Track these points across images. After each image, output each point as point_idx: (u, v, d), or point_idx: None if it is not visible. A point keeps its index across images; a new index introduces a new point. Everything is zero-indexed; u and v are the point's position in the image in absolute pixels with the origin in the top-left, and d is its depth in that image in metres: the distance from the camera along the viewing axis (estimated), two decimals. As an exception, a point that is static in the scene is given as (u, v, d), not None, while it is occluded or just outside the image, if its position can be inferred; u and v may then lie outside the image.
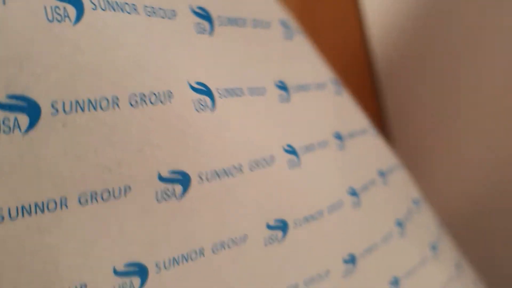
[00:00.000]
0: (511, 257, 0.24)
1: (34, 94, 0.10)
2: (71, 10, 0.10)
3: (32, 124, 0.10)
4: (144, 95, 0.11)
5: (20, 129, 0.10)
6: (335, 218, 0.16)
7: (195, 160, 0.12)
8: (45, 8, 0.10)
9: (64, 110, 0.10)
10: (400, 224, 0.19)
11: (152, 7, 0.12)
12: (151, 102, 0.11)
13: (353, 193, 0.17)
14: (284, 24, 0.17)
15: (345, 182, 0.17)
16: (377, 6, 0.42)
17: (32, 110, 0.10)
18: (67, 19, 0.10)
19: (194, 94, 0.12)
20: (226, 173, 0.13)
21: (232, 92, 0.14)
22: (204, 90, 0.13)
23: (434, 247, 0.20)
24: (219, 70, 0.14)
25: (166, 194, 0.12)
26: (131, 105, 0.11)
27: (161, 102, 0.12)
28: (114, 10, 0.11)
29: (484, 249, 0.26)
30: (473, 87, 0.27)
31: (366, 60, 0.42)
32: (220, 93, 0.13)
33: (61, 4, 0.10)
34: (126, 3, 0.11)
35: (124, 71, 0.11)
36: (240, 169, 0.13)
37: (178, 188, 0.12)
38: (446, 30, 0.30)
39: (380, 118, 0.39)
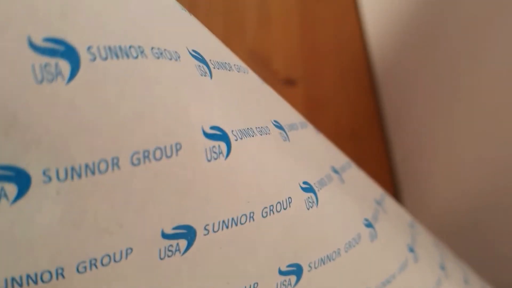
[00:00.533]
0: (511, 256, 0.23)
1: (23, 163, 0.09)
2: (65, 66, 0.09)
3: (21, 193, 0.09)
4: (148, 151, 0.10)
5: (7, 199, 0.09)
6: (353, 255, 0.15)
7: (202, 213, 0.11)
8: (32, 67, 0.09)
9: (58, 178, 0.09)
10: (411, 249, 0.18)
11: (159, 48, 0.11)
12: (156, 158, 0.10)
13: (369, 224, 0.16)
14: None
15: (361, 214, 0.16)
16: (375, 6, 0.42)
17: (21, 179, 0.09)
18: (59, 77, 0.09)
19: (207, 141, 0.11)
20: (235, 222, 0.12)
21: (246, 133, 0.12)
22: (219, 134, 0.12)
23: (442, 267, 0.19)
24: (230, 112, 0.12)
25: (169, 250, 0.11)
26: (133, 164, 0.10)
27: (167, 156, 0.10)
28: (117, 57, 0.10)
29: (484, 248, 0.26)
30: (471, 87, 0.27)
31: (364, 59, 0.41)
32: (235, 135, 0.12)
33: (52, 60, 0.09)
34: (132, 47, 0.10)
35: (126, 127, 0.10)
36: (251, 216, 0.12)
37: (183, 242, 0.11)
38: (444, 30, 0.29)
39: (378, 117, 0.38)
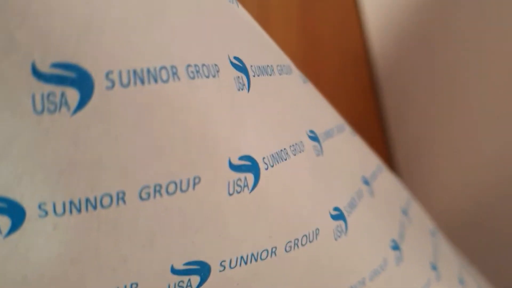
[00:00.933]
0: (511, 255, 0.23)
1: (17, 195, 0.08)
2: (73, 95, 0.07)
3: (15, 226, 0.08)
4: (160, 186, 0.09)
5: (0, 232, 0.08)
6: (378, 282, 0.14)
7: (218, 248, 0.10)
8: (33, 97, 0.07)
9: (54, 212, 0.08)
10: (434, 267, 0.16)
11: (196, 65, 0.09)
12: (168, 193, 0.09)
13: (395, 246, 0.15)
14: (296, 67, 0.14)
15: (388, 234, 0.14)
16: (376, 6, 0.41)
17: (14, 211, 0.08)
18: (64, 107, 0.07)
19: (233, 174, 0.10)
20: (255, 257, 0.11)
21: (278, 157, 0.11)
22: (248, 165, 0.10)
23: (461, 281, 0.18)
24: (264, 134, 0.11)
25: (180, 286, 0.10)
26: (141, 199, 0.09)
27: (182, 191, 0.09)
28: (142, 83, 0.08)
29: (484, 248, 0.26)
30: (471, 85, 0.26)
31: (365, 59, 0.40)
32: (266, 163, 0.10)
33: (58, 89, 0.07)
34: (164, 68, 0.08)
35: (138, 162, 0.08)
36: (273, 252, 0.11)
37: (195, 279, 0.10)
38: (445, 29, 0.29)
39: (378, 117, 0.38)
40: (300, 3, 0.41)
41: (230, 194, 0.10)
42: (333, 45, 0.40)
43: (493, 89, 0.24)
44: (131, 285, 0.09)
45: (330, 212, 0.12)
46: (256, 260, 0.11)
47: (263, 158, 0.10)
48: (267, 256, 0.11)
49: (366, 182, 0.15)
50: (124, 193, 0.09)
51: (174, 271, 0.10)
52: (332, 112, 0.16)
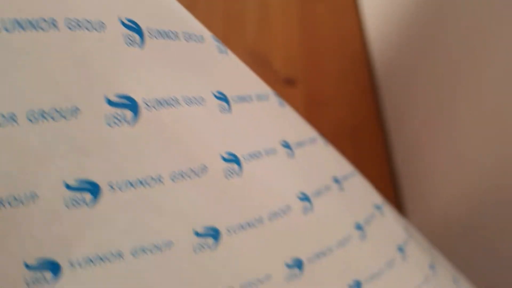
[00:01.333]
0: (510, 254, 0.23)
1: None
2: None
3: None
4: (43, 111, 0.12)
5: None
6: (344, 252, 0.17)
7: (107, 171, 0.13)
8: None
9: None
10: (401, 250, 0.19)
11: (76, 19, 0.13)
12: (54, 119, 0.12)
13: (359, 226, 0.18)
14: (214, 38, 0.17)
15: (354, 218, 0.18)
16: (375, 6, 0.43)
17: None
18: None
19: (110, 108, 0.13)
20: (143, 183, 0.13)
21: (164, 103, 0.14)
22: (126, 103, 0.13)
23: (431, 267, 0.20)
24: (244, 142, 0.15)
25: (75, 201, 0.13)
26: (30, 121, 0.12)
27: (65, 118, 0.12)
28: (24, 29, 0.12)
29: (483, 247, 0.25)
30: (471, 86, 0.27)
31: (365, 59, 0.42)
32: (148, 105, 0.13)
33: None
34: (43, 19, 0.12)
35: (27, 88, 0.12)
36: (160, 179, 0.14)
37: (88, 196, 0.13)
38: (444, 30, 0.30)
39: (378, 117, 0.39)
40: (300, 3, 0.44)
41: (110, 126, 0.13)
42: (333, 46, 0.42)
43: (493, 90, 0.24)
44: (31, 194, 0.12)
45: (297, 195, 0.16)
46: (143, 185, 0.13)
47: (143, 98, 0.13)
48: (155, 184, 0.13)
49: (337, 180, 0.19)
50: (14, 114, 0.11)
51: (68, 186, 0.12)
52: (306, 128, 0.19)
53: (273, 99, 0.18)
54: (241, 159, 0.15)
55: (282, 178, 0.17)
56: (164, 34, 0.14)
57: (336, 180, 0.19)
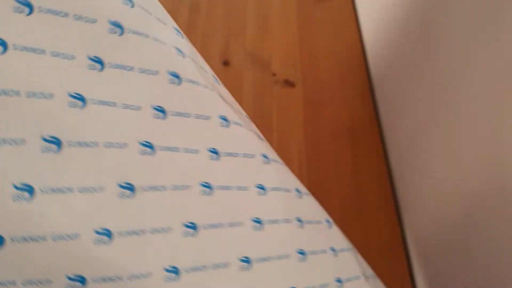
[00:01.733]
0: (510, 253, 0.23)
1: None
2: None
3: None
4: None
5: None
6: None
7: None
8: None
9: None
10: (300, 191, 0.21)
11: None
12: None
13: (265, 157, 0.20)
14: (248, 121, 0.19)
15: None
16: (370, 14, 0.43)
17: None
18: None
19: None
20: None
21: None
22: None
23: (298, 219, 0.21)
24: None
25: None
26: None
27: None
28: None
29: (483, 246, 0.25)
30: (462, 89, 0.27)
31: (362, 62, 0.42)
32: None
33: None
34: None
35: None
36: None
37: None
38: (437, 36, 0.30)
39: (375, 118, 0.39)
40: (300, 7, 0.44)
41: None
42: (332, 48, 0.42)
43: (484, 93, 0.24)
44: None
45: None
46: None
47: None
48: None
49: (265, 156, 0.20)
50: None
51: None
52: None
53: (244, 118, 0.20)
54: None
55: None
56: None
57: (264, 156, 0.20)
